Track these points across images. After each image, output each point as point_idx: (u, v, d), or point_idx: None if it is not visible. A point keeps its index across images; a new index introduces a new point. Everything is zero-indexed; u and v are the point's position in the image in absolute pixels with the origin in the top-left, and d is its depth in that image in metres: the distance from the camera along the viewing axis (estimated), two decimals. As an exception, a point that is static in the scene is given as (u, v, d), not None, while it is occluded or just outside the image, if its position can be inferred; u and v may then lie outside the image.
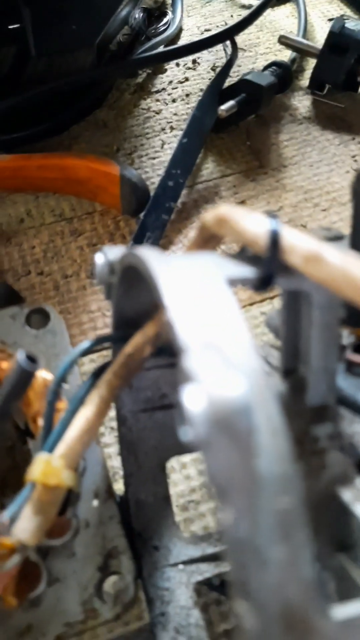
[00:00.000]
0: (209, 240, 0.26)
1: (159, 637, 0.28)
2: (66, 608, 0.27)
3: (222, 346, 0.17)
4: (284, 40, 0.58)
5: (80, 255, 0.47)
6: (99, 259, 0.27)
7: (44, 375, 0.29)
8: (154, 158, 0.54)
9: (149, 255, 0.21)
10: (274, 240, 0.20)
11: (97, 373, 0.28)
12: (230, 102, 0.50)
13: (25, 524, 0.24)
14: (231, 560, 0.15)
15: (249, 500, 0.15)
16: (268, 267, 0.20)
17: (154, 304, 0.28)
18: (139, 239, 0.46)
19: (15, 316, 0.34)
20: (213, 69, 0.63)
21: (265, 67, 0.57)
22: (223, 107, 0.50)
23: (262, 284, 0.21)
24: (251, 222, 0.21)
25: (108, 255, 0.26)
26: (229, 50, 0.57)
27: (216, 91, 0.52)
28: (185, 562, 0.30)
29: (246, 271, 0.21)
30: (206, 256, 0.22)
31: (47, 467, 0.24)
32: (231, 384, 0.15)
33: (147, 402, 0.32)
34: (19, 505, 0.24)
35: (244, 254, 0.23)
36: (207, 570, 0.30)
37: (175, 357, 0.32)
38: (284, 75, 0.55)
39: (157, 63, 0.55)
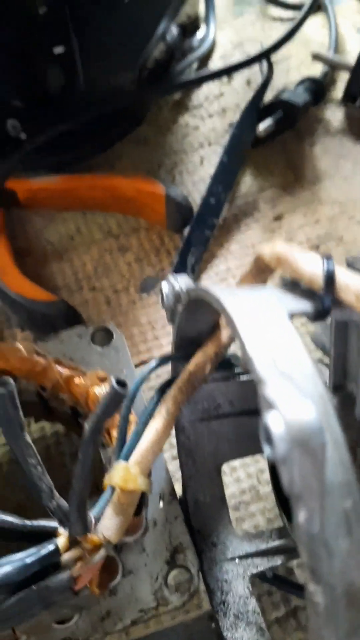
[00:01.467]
0: (263, 271, 0.29)
1: (221, 622, 0.31)
2: (139, 596, 0.30)
3: (293, 376, 0.20)
4: (317, 57, 0.60)
5: (128, 270, 0.50)
6: (165, 287, 0.30)
7: (114, 390, 0.32)
8: (193, 174, 0.57)
9: (220, 292, 0.24)
10: (330, 280, 0.23)
11: (162, 389, 0.31)
12: (268, 121, 0.53)
13: (108, 523, 0.27)
14: (305, 551, 0.18)
15: (320, 503, 0.18)
16: (324, 302, 0.23)
17: (212, 325, 0.32)
18: (184, 254, 0.49)
19: (81, 335, 0.37)
20: (247, 83, 0.65)
21: (299, 83, 0.59)
22: (261, 126, 0.52)
23: (318, 316, 0.24)
24: (307, 262, 0.24)
25: (175, 285, 0.29)
26: (264, 67, 0.60)
27: (254, 109, 0.54)
28: (240, 557, 0.34)
29: (304, 305, 0.24)
30: (268, 291, 0.25)
31: (126, 473, 0.28)
32: (304, 409, 0.18)
33: (204, 413, 0.35)
34: (101, 507, 0.28)
35: (298, 286, 0.26)
36: (261, 564, 0.33)
37: (227, 372, 0.35)
38: (317, 89, 0.58)
39: (198, 84, 0.57)
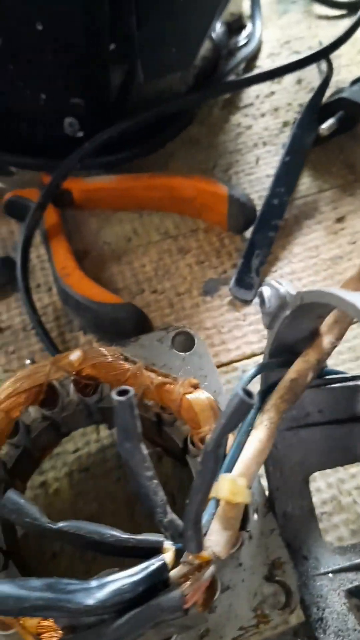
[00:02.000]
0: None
1: (322, 641, 0.30)
2: (239, 613, 0.29)
3: None
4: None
5: (190, 272, 0.49)
6: (267, 291, 0.29)
7: (209, 397, 0.31)
8: (250, 174, 0.56)
9: (350, 295, 0.22)
10: None
11: (262, 397, 0.30)
12: (331, 121, 0.51)
13: (217, 538, 0.26)
14: None
15: None
16: None
17: (311, 332, 0.30)
18: (248, 256, 0.48)
19: (162, 339, 0.36)
20: (298, 82, 0.64)
21: (355, 82, 0.58)
22: (324, 125, 0.51)
23: None
24: None
25: (280, 289, 0.28)
26: (322, 66, 0.59)
27: (315, 109, 0.53)
28: (334, 571, 0.32)
29: None
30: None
31: (234, 486, 0.26)
32: None
33: (293, 421, 0.34)
34: (207, 521, 0.27)
35: None
36: (356, 579, 0.32)
37: (318, 379, 0.34)
38: (374, 89, 0.56)
39: (256, 83, 0.56)
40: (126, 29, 0.47)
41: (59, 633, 0.27)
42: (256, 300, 0.47)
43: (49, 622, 0.27)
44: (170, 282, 0.49)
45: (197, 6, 0.54)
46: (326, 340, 0.30)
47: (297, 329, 0.30)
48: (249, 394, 0.22)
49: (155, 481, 0.24)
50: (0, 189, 0.54)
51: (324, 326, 0.30)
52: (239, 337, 0.45)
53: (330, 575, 0.32)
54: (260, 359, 0.44)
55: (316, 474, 0.39)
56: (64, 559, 0.37)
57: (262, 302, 0.29)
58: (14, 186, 0.54)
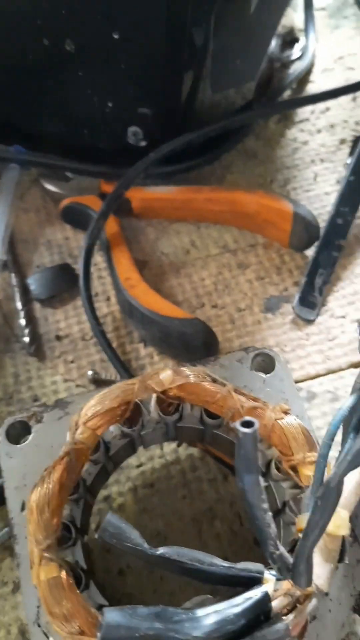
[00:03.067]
0: None
1: None
2: (326, 646, 0.29)
3: None
4: None
5: (250, 288, 0.49)
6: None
7: (301, 423, 0.31)
8: (308, 190, 0.55)
9: None
10: None
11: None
12: None
13: (319, 570, 0.26)
14: None
15: None
16: None
17: None
18: (311, 275, 0.48)
19: (242, 360, 0.36)
20: (353, 99, 0.64)
21: None
22: (390, 147, 0.51)
23: None
24: None
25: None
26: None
27: (380, 129, 0.53)
28: None
29: None
30: None
31: (337, 518, 0.26)
32: None
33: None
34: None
35: None
36: None
37: None
38: None
39: (317, 102, 0.56)
40: (200, 40, 0.46)
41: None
42: (319, 319, 0.47)
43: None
44: (230, 297, 0.49)
45: (264, 19, 0.54)
46: None
47: None
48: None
49: (270, 514, 0.24)
50: (57, 194, 0.54)
51: None
52: (302, 357, 0.45)
53: None
54: (324, 380, 0.44)
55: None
56: (130, 576, 0.37)
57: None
58: (71, 192, 0.53)
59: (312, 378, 0.44)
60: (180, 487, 0.39)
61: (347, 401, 0.29)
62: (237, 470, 0.23)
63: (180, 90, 0.48)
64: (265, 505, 0.24)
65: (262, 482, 0.24)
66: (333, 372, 0.44)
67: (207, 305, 0.48)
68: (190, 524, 0.38)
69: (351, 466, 0.22)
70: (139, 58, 0.45)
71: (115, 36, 0.44)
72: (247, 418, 0.22)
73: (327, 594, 0.30)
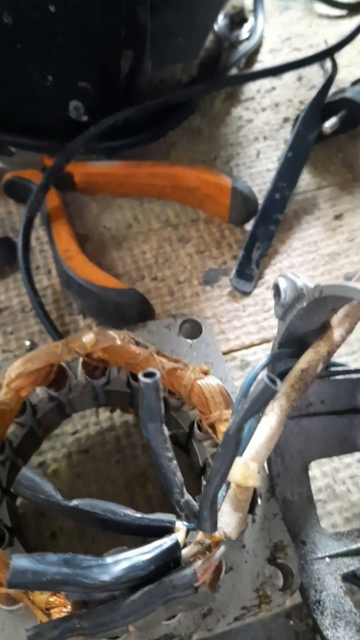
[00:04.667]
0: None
1: (319, 622, 0.31)
2: (241, 593, 0.30)
3: None
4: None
5: (190, 262, 0.50)
6: (283, 283, 0.30)
7: (219, 383, 0.32)
8: (250, 167, 0.56)
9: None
10: None
11: (272, 385, 0.31)
12: (334, 120, 0.52)
13: (227, 519, 0.27)
14: None
15: None
16: None
17: (322, 324, 0.31)
18: (249, 249, 0.49)
19: (169, 326, 0.36)
20: (299, 79, 0.65)
21: (356, 82, 0.59)
22: (327, 124, 0.52)
23: None
24: None
25: (297, 281, 0.29)
26: (325, 66, 0.60)
27: (318, 107, 0.54)
28: (331, 556, 0.33)
29: None
30: None
31: (246, 470, 0.27)
32: None
33: (295, 410, 0.35)
34: (218, 503, 0.27)
35: None
36: (352, 564, 0.33)
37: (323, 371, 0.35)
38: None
39: (261, 78, 0.57)
40: (139, 17, 0.47)
41: (69, 608, 0.27)
42: (255, 291, 0.48)
43: (58, 598, 0.27)
44: (170, 270, 0.49)
45: (205, -3, 0.55)
46: (337, 333, 0.30)
47: (310, 321, 0.30)
48: (273, 380, 0.23)
49: (174, 462, 0.25)
50: (0, 169, 0.54)
51: (335, 319, 0.31)
52: (238, 327, 0.46)
53: (327, 560, 0.33)
54: (258, 349, 0.45)
55: (312, 462, 0.40)
56: (62, 539, 0.37)
57: (278, 293, 0.30)
58: (14, 167, 0.53)
59: (247, 347, 0.45)
60: (114, 453, 0.40)
61: (260, 360, 0.30)
62: (141, 419, 0.24)
63: (119, 65, 0.48)
64: (170, 454, 0.25)
65: (166, 432, 0.25)
66: (267, 341, 0.46)
67: (147, 277, 0.49)
68: (123, 488, 0.39)
69: (247, 414, 0.23)
70: (76, 32, 0.45)
71: (52, 9, 0.44)
72: (149, 369, 0.23)
73: (243, 546, 0.31)
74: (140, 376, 0.23)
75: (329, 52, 0.55)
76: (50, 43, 0.47)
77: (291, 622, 0.36)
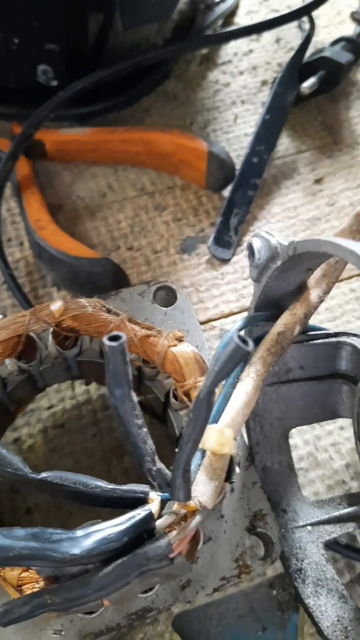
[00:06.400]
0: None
1: (300, 590, 0.30)
2: (220, 564, 0.29)
3: None
4: (355, 17, 0.58)
5: (167, 230, 0.48)
6: (257, 243, 0.28)
7: (194, 350, 0.31)
8: (228, 132, 0.55)
9: (346, 242, 0.22)
10: None
11: (248, 350, 0.30)
12: (312, 80, 0.51)
13: (203, 488, 0.26)
14: None
15: None
16: None
17: (298, 286, 0.30)
18: (227, 215, 0.47)
19: (143, 293, 0.35)
20: (277, 40, 0.63)
21: (335, 42, 0.57)
22: (305, 84, 0.50)
23: None
24: None
25: (271, 240, 0.28)
26: (303, 26, 0.58)
27: (296, 68, 0.52)
28: (312, 524, 0.33)
29: None
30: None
31: (221, 436, 0.26)
32: None
33: (274, 377, 0.34)
34: (193, 472, 0.26)
35: None
36: (333, 531, 0.33)
37: (302, 335, 0.34)
38: (356, 49, 0.56)
39: (236, 38, 0.55)
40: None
41: (41, 584, 0.26)
42: (234, 259, 0.47)
43: (30, 574, 0.27)
44: (146, 239, 0.48)
45: None
46: (314, 294, 0.29)
47: (285, 282, 0.29)
48: (244, 340, 0.22)
49: (144, 429, 0.24)
50: (-32, 138, 0.52)
51: (312, 280, 0.30)
52: (216, 295, 0.45)
53: (309, 527, 0.33)
54: (238, 317, 0.44)
55: (293, 430, 0.39)
56: (38, 515, 0.36)
57: (252, 253, 0.29)
58: (-18, 136, 0.51)
59: (226, 316, 0.44)
60: (90, 426, 0.39)
61: (235, 324, 0.29)
62: (108, 385, 0.23)
63: (86, 25, 0.46)
64: (139, 421, 0.24)
65: (135, 398, 0.23)
66: (246, 309, 0.44)
67: (123, 247, 0.47)
68: (99, 462, 0.38)
69: (218, 377, 0.22)
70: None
71: (14, -36, 0.42)
72: (114, 332, 0.22)
73: (222, 516, 0.30)
74: (104, 340, 0.21)
75: (306, 10, 0.53)
76: (14, 2, 0.45)
77: (274, 592, 0.35)
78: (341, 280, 0.45)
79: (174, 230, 0.48)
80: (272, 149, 0.50)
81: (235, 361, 0.22)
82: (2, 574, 0.27)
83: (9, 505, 0.36)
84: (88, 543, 0.24)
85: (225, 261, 0.46)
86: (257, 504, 0.30)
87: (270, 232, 0.28)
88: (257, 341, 0.30)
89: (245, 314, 0.44)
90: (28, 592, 0.26)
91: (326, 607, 0.30)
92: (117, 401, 0.23)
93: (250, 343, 0.22)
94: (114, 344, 0.22)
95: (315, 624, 0.29)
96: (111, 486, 0.26)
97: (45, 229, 0.44)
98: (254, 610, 0.35)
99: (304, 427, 0.39)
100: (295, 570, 0.31)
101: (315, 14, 0.66)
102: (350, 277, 0.45)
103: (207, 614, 0.35)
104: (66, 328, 0.31)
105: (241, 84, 0.59)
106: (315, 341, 0.34)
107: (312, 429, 0.39)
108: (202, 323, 0.44)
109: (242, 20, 0.65)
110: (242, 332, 0.30)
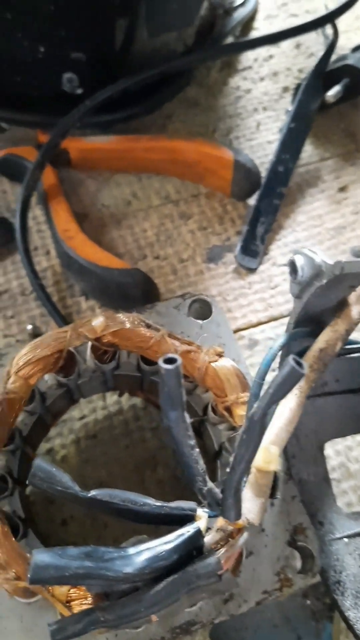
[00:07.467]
0: None
1: (340, 603, 0.30)
2: (262, 578, 0.29)
3: None
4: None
5: (192, 239, 0.48)
6: (300, 260, 0.29)
7: (234, 365, 0.31)
8: (251, 139, 0.55)
9: None
10: None
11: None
12: (337, 88, 0.51)
13: (250, 505, 0.26)
14: None
15: None
16: None
17: (339, 302, 0.30)
18: (253, 224, 0.47)
19: (178, 307, 0.35)
20: (297, 46, 0.63)
21: (357, 48, 0.57)
22: (330, 92, 0.50)
23: None
24: None
25: (315, 258, 0.28)
26: (325, 32, 0.58)
27: (320, 75, 0.52)
28: (349, 536, 0.33)
29: None
30: None
31: (267, 454, 0.26)
32: None
33: (310, 390, 0.34)
34: (239, 489, 0.27)
35: None
36: (370, 544, 0.33)
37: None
38: (377, 57, 0.56)
39: (261, 46, 0.55)
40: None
41: (89, 600, 0.27)
42: (261, 268, 0.47)
43: (79, 590, 0.27)
44: (172, 248, 0.48)
45: None
46: (355, 310, 0.30)
47: (327, 299, 0.29)
48: (299, 363, 0.22)
49: (197, 450, 0.24)
50: (-8, 146, 0.52)
51: (353, 296, 0.30)
52: (244, 305, 0.45)
53: (345, 540, 0.33)
54: (266, 327, 0.44)
55: (324, 441, 0.40)
56: (74, 526, 0.37)
57: (294, 270, 0.29)
58: (6, 144, 0.51)
59: (255, 326, 0.44)
60: (122, 437, 0.39)
61: (277, 340, 0.30)
62: (162, 407, 0.23)
63: (113, 34, 0.46)
64: (192, 442, 0.24)
65: (188, 419, 0.24)
66: (275, 319, 0.45)
67: (150, 256, 0.48)
68: (133, 472, 0.38)
69: (273, 399, 0.22)
70: (68, -2, 0.43)
71: (42, -26, 0.42)
72: (169, 355, 0.22)
73: (263, 530, 0.30)
74: (160, 363, 0.22)
75: (330, 17, 0.53)
76: (41, 12, 0.45)
77: (308, 602, 0.36)
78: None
79: (200, 239, 0.48)
80: (297, 157, 0.50)
81: (290, 384, 0.22)
82: (51, 590, 0.27)
83: (44, 516, 0.37)
84: (140, 561, 0.24)
85: (252, 270, 0.46)
86: (297, 517, 0.31)
87: (312, 249, 0.28)
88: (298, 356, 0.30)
89: (273, 323, 0.45)
90: (76, 608, 0.27)
91: (367, 620, 0.30)
92: (172, 422, 0.24)
93: (305, 365, 0.22)
94: (170, 367, 0.22)
95: (356, 636, 0.30)
96: (159, 503, 0.26)
97: (74, 239, 0.44)
98: (289, 620, 0.36)
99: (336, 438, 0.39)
100: (333, 583, 0.31)
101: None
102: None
103: (243, 624, 0.35)
104: (106, 343, 0.32)
105: (262, 90, 0.59)
106: (352, 355, 0.34)
107: (343, 439, 0.40)
108: (230, 332, 0.44)
109: (261, 25, 0.65)
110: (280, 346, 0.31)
